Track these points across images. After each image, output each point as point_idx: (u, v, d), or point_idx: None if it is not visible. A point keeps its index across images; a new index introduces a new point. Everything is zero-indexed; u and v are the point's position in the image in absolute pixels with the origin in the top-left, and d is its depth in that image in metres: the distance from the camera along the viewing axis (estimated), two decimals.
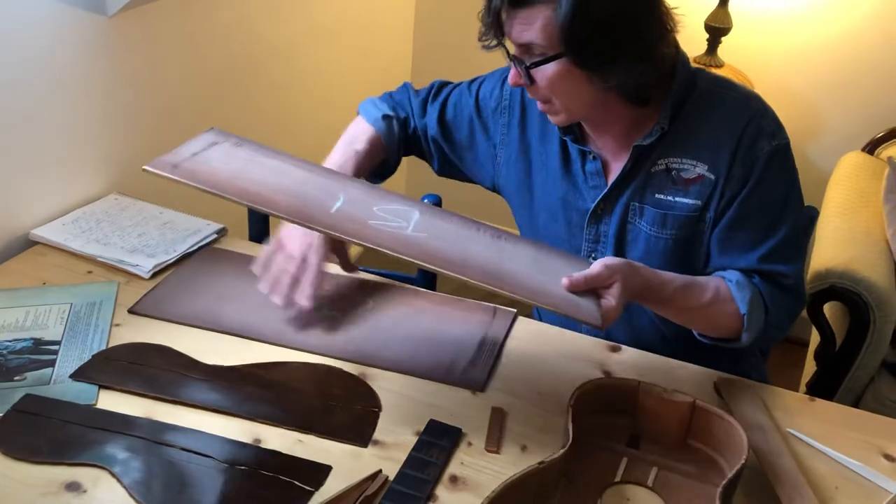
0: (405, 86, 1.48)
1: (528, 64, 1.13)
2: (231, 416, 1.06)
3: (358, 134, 1.38)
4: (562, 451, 0.96)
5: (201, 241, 1.44)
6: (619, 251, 1.27)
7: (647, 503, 0.99)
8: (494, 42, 1.15)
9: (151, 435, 1.01)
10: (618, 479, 1.02)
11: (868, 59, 2.35)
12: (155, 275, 1.34)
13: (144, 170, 0.99)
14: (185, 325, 1.23)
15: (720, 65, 2.28)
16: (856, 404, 1.80)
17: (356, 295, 1.33)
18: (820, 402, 1.20)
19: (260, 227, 1.57)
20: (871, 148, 2.29)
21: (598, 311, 1.01)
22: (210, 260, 1.40)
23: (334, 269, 1.29)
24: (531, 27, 1.09)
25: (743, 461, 0.96)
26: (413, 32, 2.85)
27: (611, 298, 1.03)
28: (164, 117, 1.73)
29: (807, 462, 1.08)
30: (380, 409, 1.09)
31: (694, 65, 1.23)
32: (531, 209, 1.37)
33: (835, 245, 1.82)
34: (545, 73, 1.13)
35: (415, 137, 1.45)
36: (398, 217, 1.08)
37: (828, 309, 1.92)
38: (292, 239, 1.22)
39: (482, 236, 1.11)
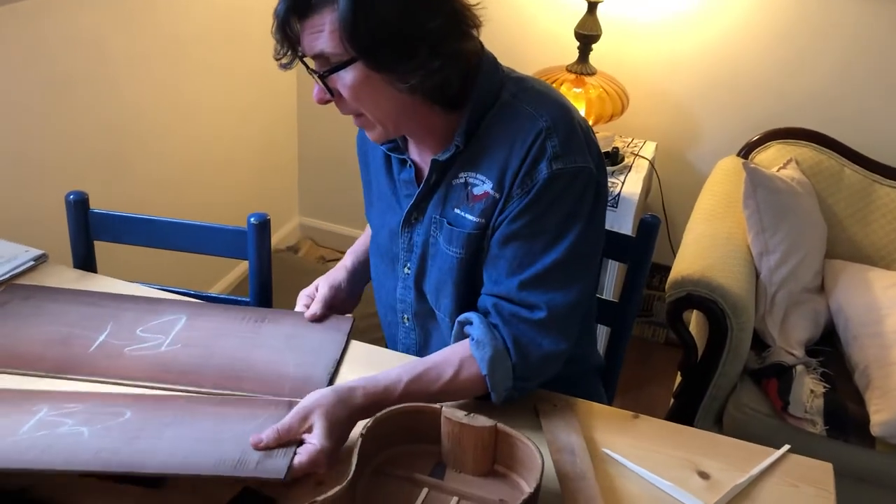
0: None
1: (321, 73, 1.08)
2: None
3: None
4: (338, 487, 0.90)
5: (14, 269, 1.35)
6: (422, 265, 1.23)
7: None
8: (290, 58, 1.09)
9: None
10: None
11: (741, 64, 2.36)
12: None
13: None
14: None
15: (592, 72, 2.26)
16: (720, 412, 1.78)
17: (109, 407, 1.08)
18: (644, 418, 1.17)
19: (85, 252, 1.48)
20: (747, 152, 2.29)
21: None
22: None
23: (85, 386, 1.14)
24: (321, 35, 1.04)
25: (530, 491, 0.91)
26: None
27: (314, 441, 0.99)
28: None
29: (618, 483, 1.04)
30: None
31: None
32: (375, 229, 1.34)
33: (695, 252, 1.80)
34: (345, 81, 1.08)
35: None
36: (160, 332, 1.23)
37: (692, 318, 1.91)
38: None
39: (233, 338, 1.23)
